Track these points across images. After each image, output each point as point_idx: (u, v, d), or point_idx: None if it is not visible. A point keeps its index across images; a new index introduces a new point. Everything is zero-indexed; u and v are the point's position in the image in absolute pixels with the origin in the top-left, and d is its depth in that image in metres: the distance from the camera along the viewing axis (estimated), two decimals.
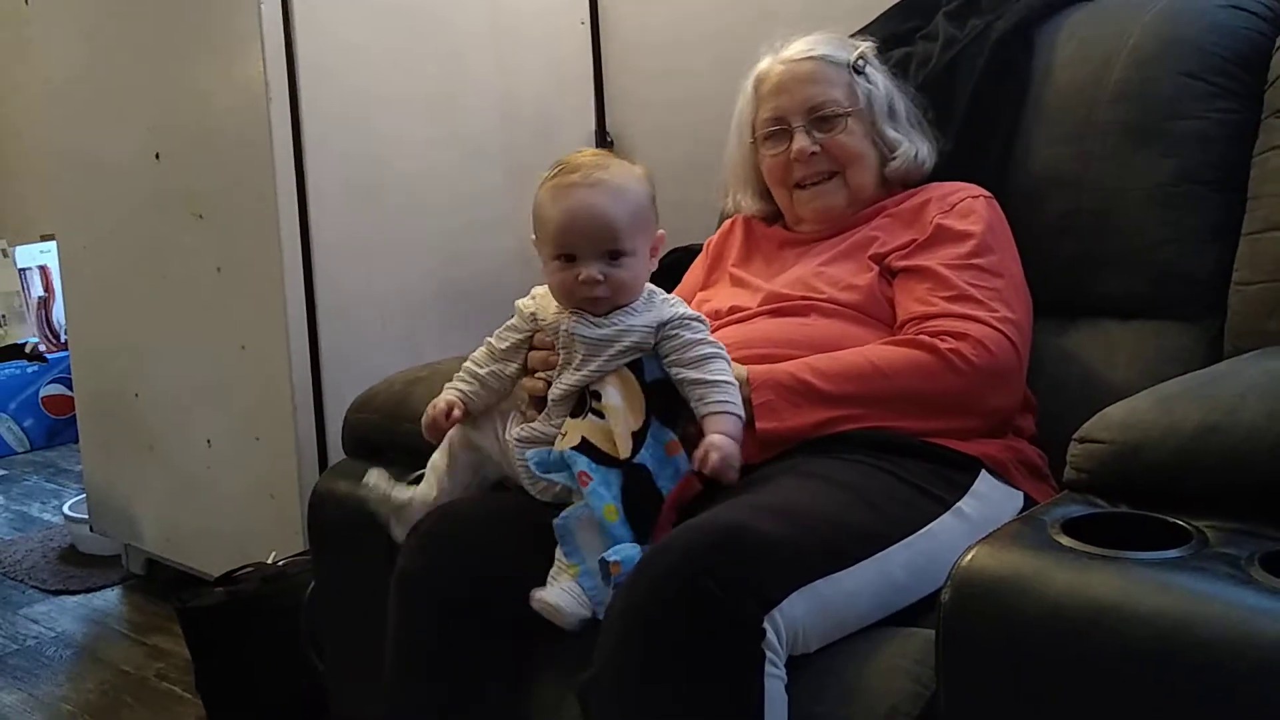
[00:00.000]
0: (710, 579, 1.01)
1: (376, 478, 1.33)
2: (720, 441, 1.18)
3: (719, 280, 1.60)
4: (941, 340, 1.30)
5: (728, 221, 1.67)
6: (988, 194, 1.48)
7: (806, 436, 1.25)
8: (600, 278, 1.24)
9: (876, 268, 1.42)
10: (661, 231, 1.31)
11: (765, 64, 1.56)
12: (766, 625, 1.02)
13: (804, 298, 1.43)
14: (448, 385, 1.32)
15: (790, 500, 1.13)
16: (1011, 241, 1.45)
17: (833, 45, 1.54)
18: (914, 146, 1.53)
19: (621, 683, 1.05)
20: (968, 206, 1.44)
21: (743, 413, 1.21)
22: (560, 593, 1.15)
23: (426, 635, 1.24)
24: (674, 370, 1.24)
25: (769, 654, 1.02)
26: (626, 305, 1.27)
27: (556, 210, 1.25)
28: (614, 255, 1.25)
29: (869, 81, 1.52)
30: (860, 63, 1.52)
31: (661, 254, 1.94)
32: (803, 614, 1.05)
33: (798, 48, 1.54)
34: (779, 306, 1.44)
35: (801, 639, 1.06)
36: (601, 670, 1.06)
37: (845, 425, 1.26)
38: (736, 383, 1.24)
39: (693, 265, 1.68)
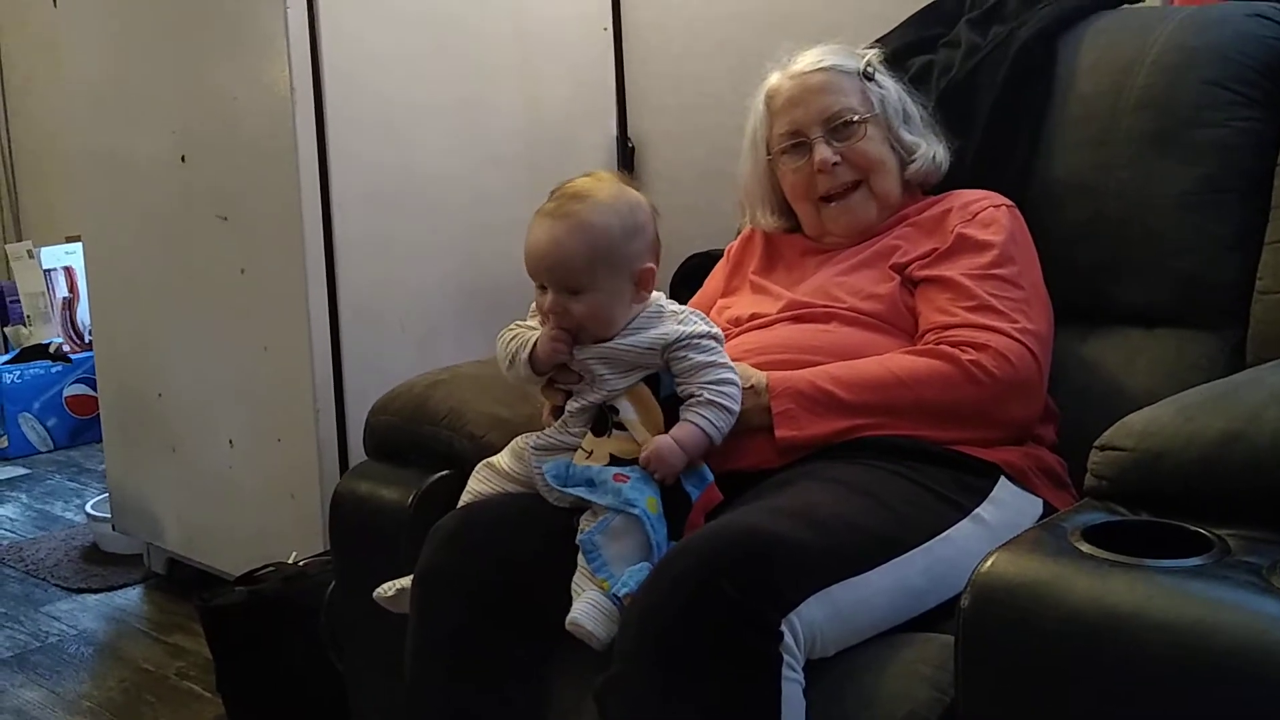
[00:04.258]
0: (728, 581, 1.02)
1: (378, 592, 1.34)
2: (659, 441, 1.20)
3: (740, 287, 1.60)
4: (962, 351, 1.29)
5: (748, 228, 1.67)
6: (1010, 203, 1.47)
7: (825, 444, 1.25)
8: (559, 310, 1.25)
9: (898, 277, 1.42)
10: (651, 265, 1.28)
11: (775, 79, 1.55)
12: (784, 628, 1.03)
13: (825, 306, 1.42)
14: (516, 332, 1.32)
15: (809, 504, 1.14)
16: (1033, 251, 1.45)
17: (840, 55, 1.53)
18: (931, 148, 1.53)
19: (638, 683, 1.05)
20: (989, 216, 1.44)
21: (716, 434, 1.22)
22: (592, 616, 1.14)
23: (447, 632, 1.25)
24: (682, 388, 1.25)
25: (786, 657, 1.02)
26: (615, 333, 1.26)
27: (528, 240, 1.28)
28: (572, 291, 1.25)
29: (881, 87, 1.52)
30: (870, 69, 1.52)
31: (681, 259, 1.97)
32: (820, 618, 1.05)
33: (806, 60, 1.53)
34: (800, 314, 1.44)
35: (819, 643, 1.06)
36: (619, 671, 1.07)
37: (863, 434, 1.26)
38: (736, 411, 1.24)
39: (713, 271, 1.68)
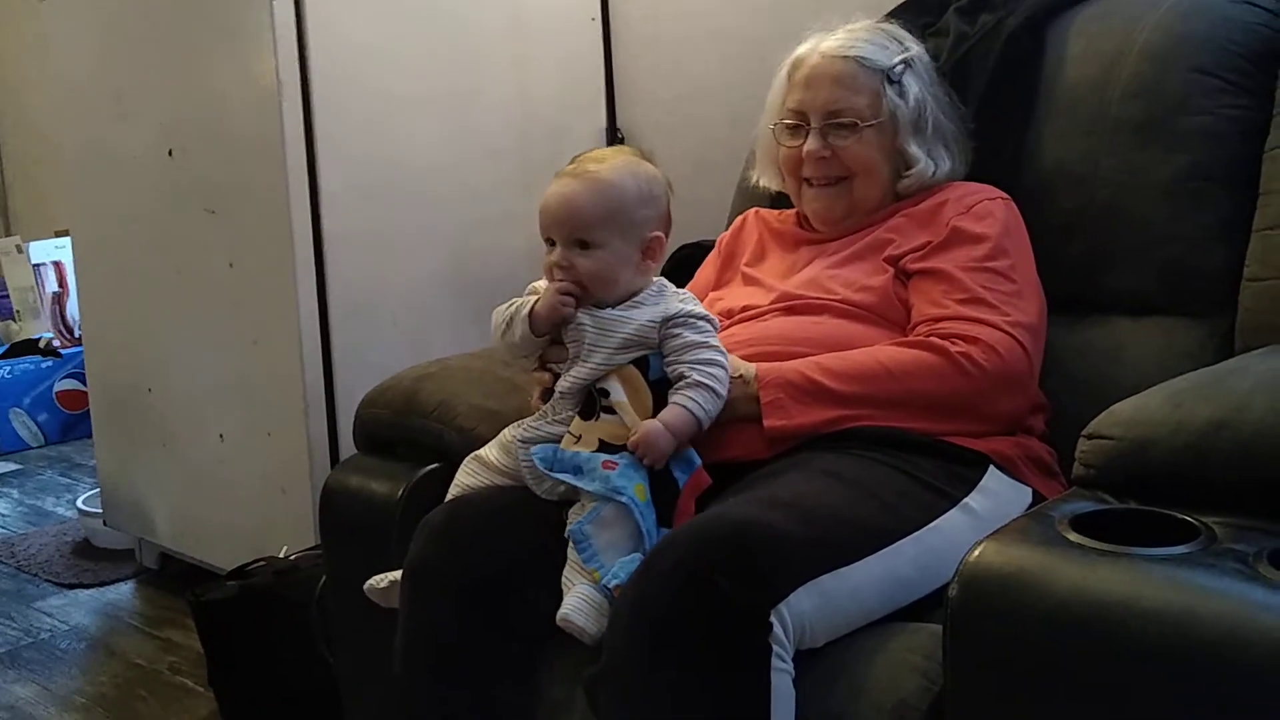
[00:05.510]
0: (717, 573, 1.02)
1: (369, 584, 1.34)
2: (648, 425, 1.20)
3: (731, 280, 1.60)
4: (952, 343, 1.29)
5: (739, 218, 1.67)
6: (1005, 196, 1.47)
7: (814, 434, 1.25)
8: (565, 263, 1.27)
9: (891, 269, 1.42)
10: (660, 235, 1.30)
11: (806, 48, 1.52)
12: (773, 619, 1.03)
13: (817, 298, 1.42)
14: (514, 299, 1.33)
15: (798, 495, 1.14)
16: (1028, 244, 1.44)
17: (875, 46, 1.49)
18: (932, 164, 1.49)
19: (629, 675, 1.05)
20: (985, 209, 1.43)
21: (705, 417, 1.23)
22: (583, 611, 1.14)
23: (437, 627, 1.25)
24: (671, 368, 1.25)
25: (776, 648, 1.03)
26: (619, 298, 1.28)
27: (544, 198, 1.30)
28: (582, 244, 1.27)
29: (900, 94, 1.47)
30: (899, 69, 1.47)
31: (672, 249, 1.97)
32: (810, 608, 1.05)
33: (839, 40, 1.49)
34: (792, 305, 1.43)
35: (809, 633, 1.06)
36: (609, 663, 1.07)
37: (852, 424, 1.26)
38: (724, 395, 1.24)
39: (704, 262, 1.68)
